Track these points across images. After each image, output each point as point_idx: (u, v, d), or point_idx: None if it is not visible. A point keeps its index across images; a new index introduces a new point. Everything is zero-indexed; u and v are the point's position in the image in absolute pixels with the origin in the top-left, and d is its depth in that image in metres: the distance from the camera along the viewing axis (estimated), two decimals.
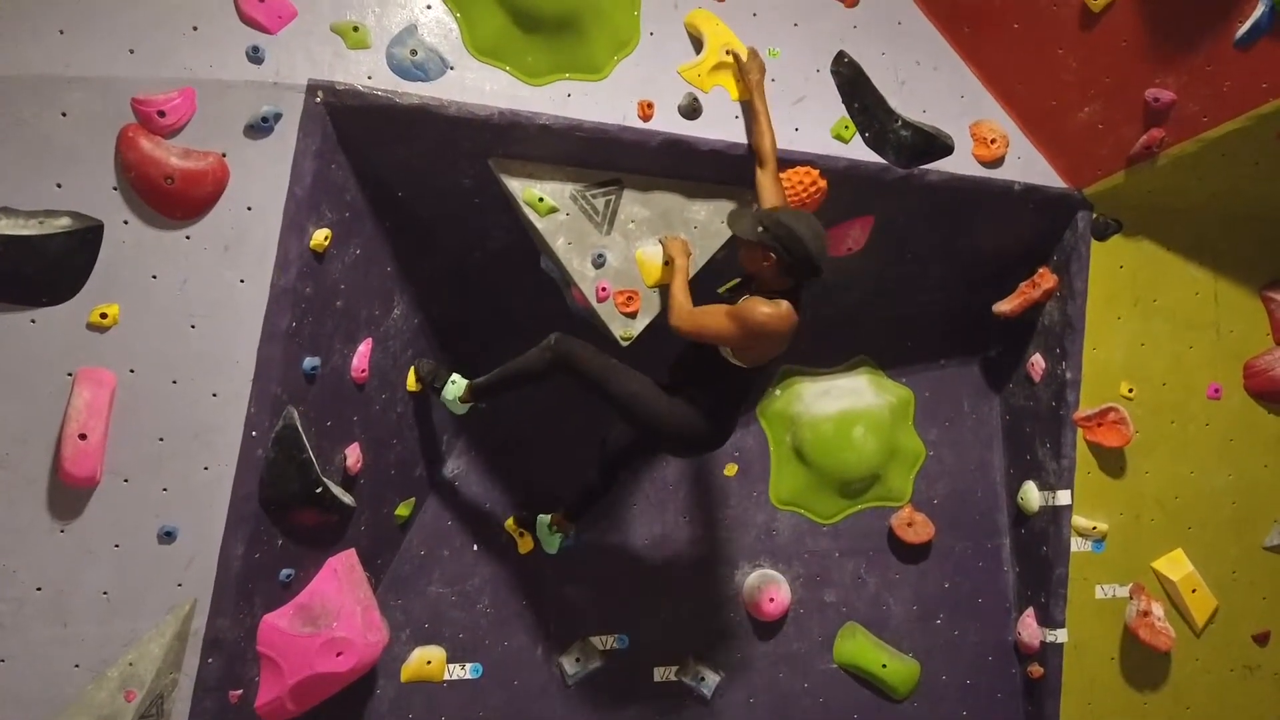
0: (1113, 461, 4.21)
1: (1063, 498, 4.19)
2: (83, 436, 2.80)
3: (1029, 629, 4.32)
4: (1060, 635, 4.21)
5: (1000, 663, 4.48)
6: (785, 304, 3.09)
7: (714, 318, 3.15)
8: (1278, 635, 4.42)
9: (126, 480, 2.92)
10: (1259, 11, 3.39)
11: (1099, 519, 4.19)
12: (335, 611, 3.37)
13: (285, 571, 3.29)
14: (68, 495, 2.87)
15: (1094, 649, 4.24)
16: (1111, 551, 4.22)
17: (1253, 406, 4.38)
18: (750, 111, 3.47)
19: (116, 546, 2.93)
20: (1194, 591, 4.26)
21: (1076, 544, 4.20)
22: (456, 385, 3.73)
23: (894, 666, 4.38)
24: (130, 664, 2.91)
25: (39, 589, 2.87)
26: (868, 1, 3.77)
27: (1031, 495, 4.34)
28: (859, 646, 4.40)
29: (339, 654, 3.32)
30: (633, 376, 3.34)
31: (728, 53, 3.50)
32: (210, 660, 3.05)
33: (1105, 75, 3.74)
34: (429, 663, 3.98)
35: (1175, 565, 4.28)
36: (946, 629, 4.51)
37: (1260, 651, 4.40)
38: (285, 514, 3.20)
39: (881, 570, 4.52)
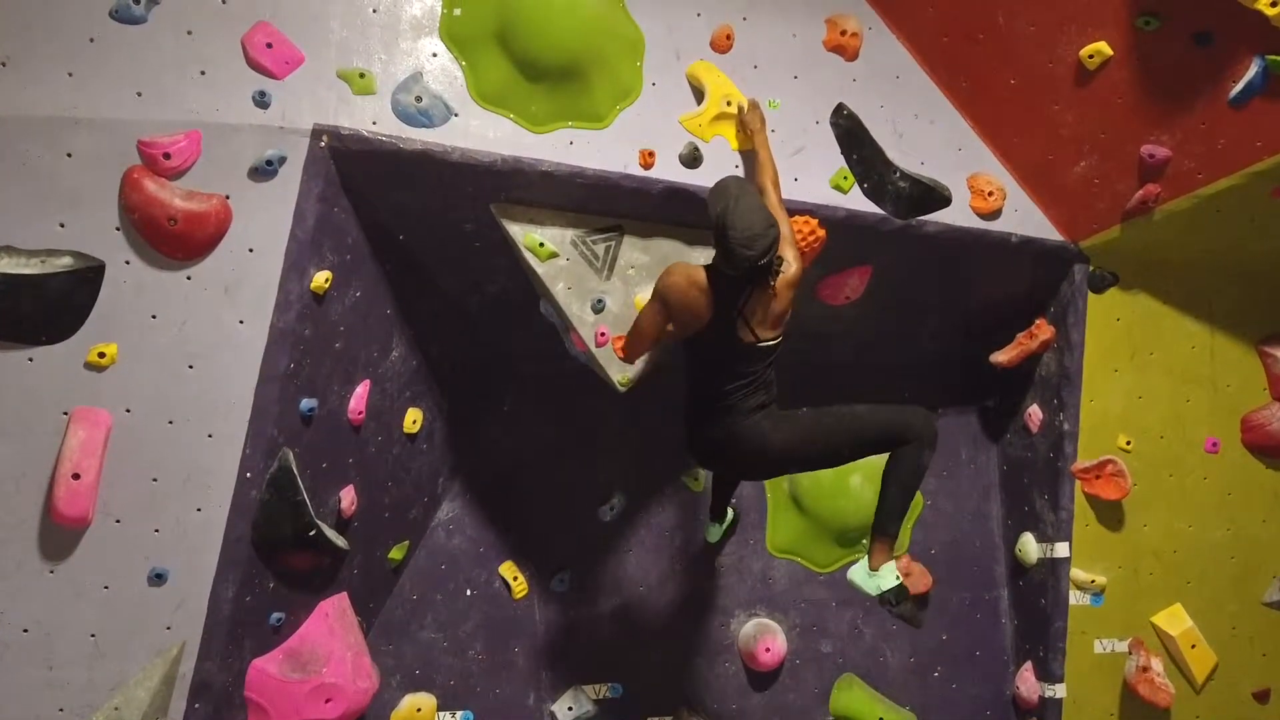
0: (1111, 514, 4.19)
1: (1061, 550, 4.17)
2: (76, 476, 2.78)
3: (1027, 683, 4.27)
4: (1059, 690, 4.16)
5: (998, 717, 4.42)
6: (698, 270, 3.07)
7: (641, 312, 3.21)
8: (1278, 693, 4.37)
9: (119, 521, 2.90)
10: (1252, 71, 3.45)
11: (1097, 572, 4.17)
12: (325, 657, 3.33)
13: (276, 615, 3.25)
14: (59, 535, 2.84)
15: (1093, 704, 4.19)
16: (1110, 605, 4.19)
17: (1250, 461, 4.37)
18: (752, 154, 3.51)
19: (106, 588, 2.89)
20: (1193, 647, 4.22)
21: (1075, 597, 4.16)
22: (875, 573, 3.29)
23: (891, 719, 4.33)
24: (116, 709, 2.86)
25: (25, 630, 2.83)
26: (867, 55, 3.82)
27: (1029, 547, 4.32)
28: (856, 699, 4.34)
29: (328, 700, 3.27)
30: None
31: (728, 103, 3.55)
32: (197, 705, 3.00)
33: (1101, 131, 3.79)
34: (419, 710, 3.92)
35: (1174, 620, 4.24)
36: (944, 682, 4.46)
37: (1261, 710, 4.35)
38: (277, 557, 3.17)
39: (878, 621, 4.47)
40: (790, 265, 3.12)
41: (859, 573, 3.26)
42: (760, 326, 3.10)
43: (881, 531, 3.20)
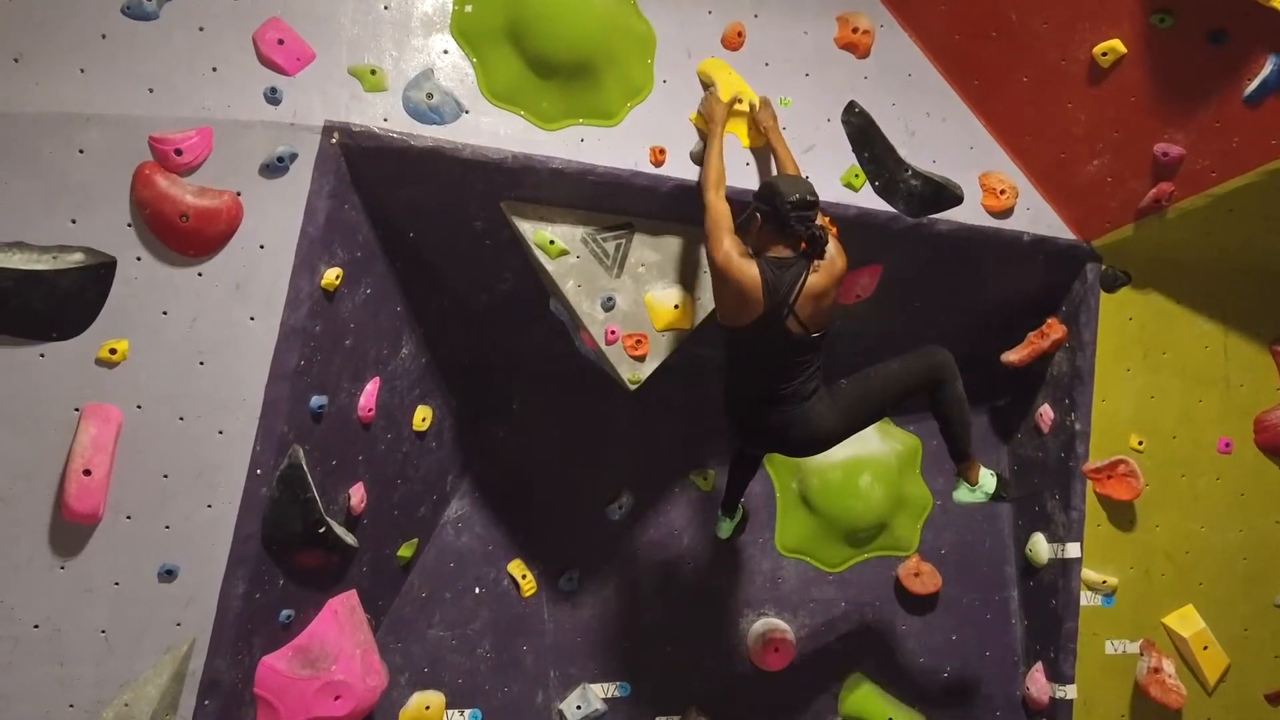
0: (1122, 514, 4.17)
1: (1072, 550, 4.15)
2: (87, 472, 2.78)
3: (1038, 684, 4.25)
4: (1070, 691, 4.15)
5: (1008, 718, 4.40)
6: (751, 262, 3.07)
7: (713, 220, 3.15)
8: None
9: (129, 517, 2.90)
10: (1267, 69, 3.43)
11: (1109, 573, 4.15)
12: (334, 654, 3.33)
13: (285, 612, 3.25)
14: (69, 531, 2.84)
15: (1104, 706, 4.17)
16: (1121, 606, 4.17)
17: (1263, 461, 4.35)
18: (766, 152, 3.50)
19: (116, 584, 2.90)
20: (1205, 649, 4.20)
21: (1086, 598, 4.15)
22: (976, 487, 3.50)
23: None
24: (126, 705, 2.86)
25: (36, 626, 2.83)
26: (878, 53, 3.81)
27: (1040, 547, 4.30)
28: (865, 699, 4.33)
29: (337, 698, 3.27)
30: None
31: (739, 101, 3.53)
32: (207, 702, 3.00)
33: (1114, 129, 3.77)
34: (428, 708, 3.91)
35: (1186, 621, 4.22)
36: (954, 682, 4.44)
37: (1274, 711, 4.33)
38: (287, 554, 3.17)
39: (888, 621, 4.46)
40: (836, 261, 3.17)
41: (964, 493, 3.51)
42: (811, 321, 3.13)
43: (962, 456, 3.46)
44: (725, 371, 3.35)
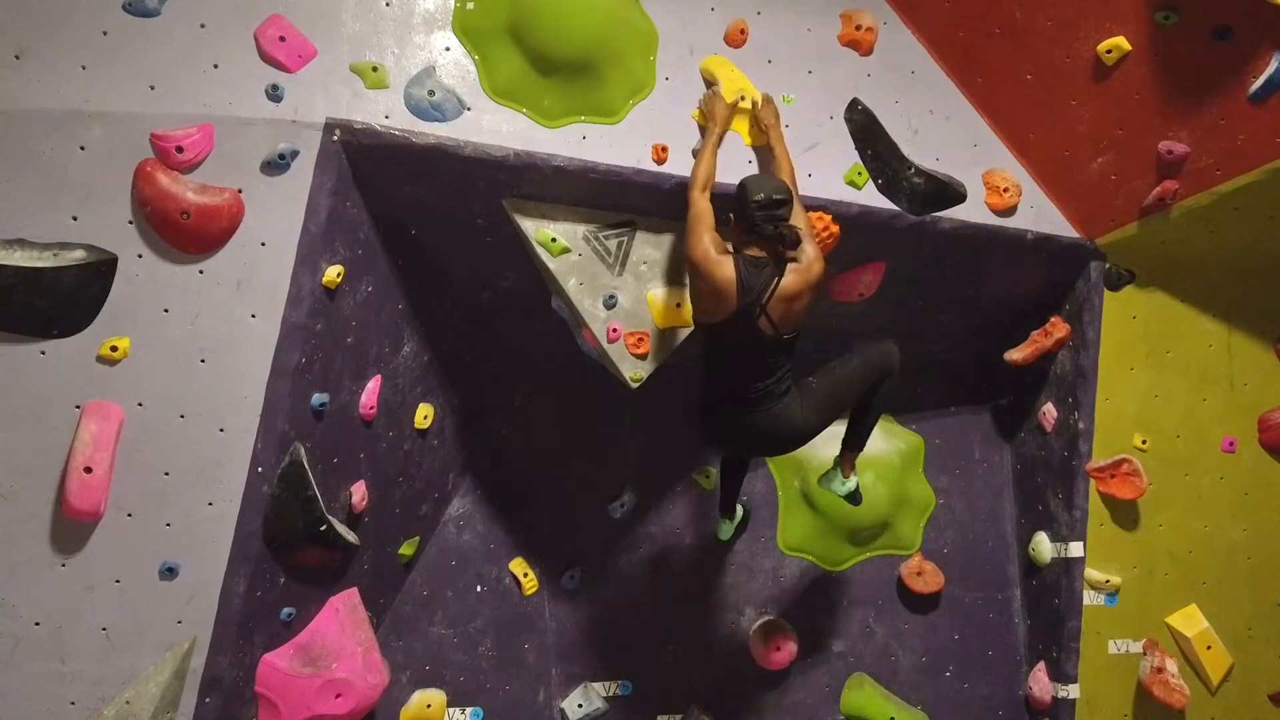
0: (1126, 514, 4.16)
1: (1075, 549, 4.14)
2: (88, 470, 2.78)
3: (1040, 683, 4.24)
4: (1072, 690, 4.14)
5: (1011, 718, 4.39)
6: (727, 259, 3.10)
7: (695, 217, 3.18)
8: None
9: (130, 515, 2.89)
10: (1272, 67, 3.41)
11: (1112, 572, 4.13)
12: (335, 652, 3.33)
13: (286, 610, 3.25)
14: (70, 529, 2.84)
15: (1107, 705, 4.16)
16: (1125, 605, 4.16)
17: (1267, 461, 4.34)
18: (767, 150, 3.50)
19: (118, 582, 2.89)
20: (1209, 648, 4.19)
21: (1089, 597, 4.14)
22: (846, 480, 3.70)
23: (902, 719, 4.29)
24: (127, 702, 2.86)
25: (37, 624, 2.83)
26: (881, 50, 3.80)
27: (1043, 546, 4.29)
28: (867, 698, 4.32)
29: (338, 696, 3.27)
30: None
31: (742, 98, 3.53)
32: (208, 700, 3.00)
33: (1118, 127, 3.76)
34: (429, 706, 3.91)
35: (1190, 621, 4.21)
36: (956, 681, 4.43)
37: (1277, 711, 4.32)
38: (289, 552, 3.17)
39: (890, 620, 4.45)
40: (813, 265, 3.17)
41: (838, 483, 3.69)
42: (783, 322, 3.14)
43: (856, 448, 3.63)
44: (700, 374, 3.37)
